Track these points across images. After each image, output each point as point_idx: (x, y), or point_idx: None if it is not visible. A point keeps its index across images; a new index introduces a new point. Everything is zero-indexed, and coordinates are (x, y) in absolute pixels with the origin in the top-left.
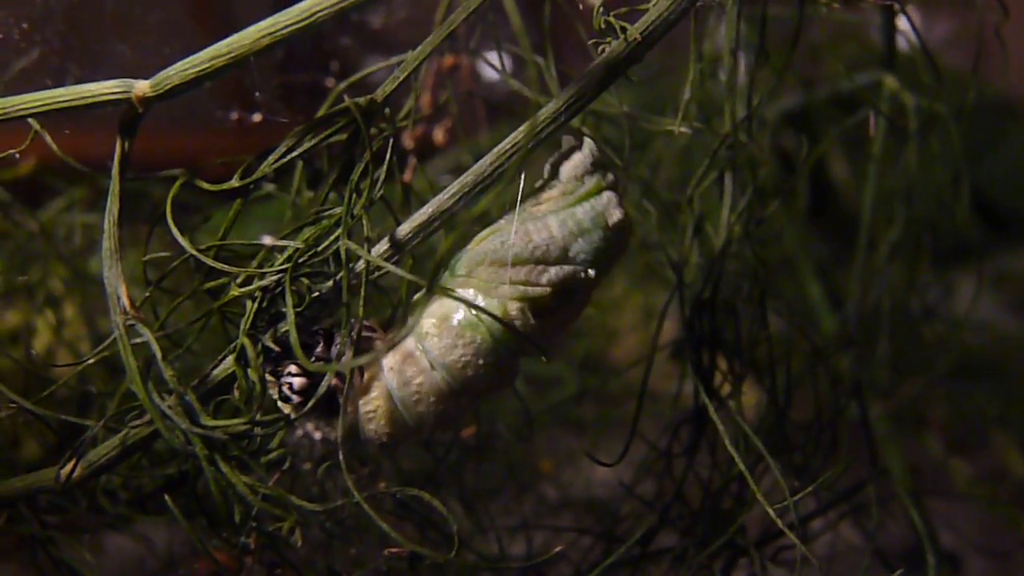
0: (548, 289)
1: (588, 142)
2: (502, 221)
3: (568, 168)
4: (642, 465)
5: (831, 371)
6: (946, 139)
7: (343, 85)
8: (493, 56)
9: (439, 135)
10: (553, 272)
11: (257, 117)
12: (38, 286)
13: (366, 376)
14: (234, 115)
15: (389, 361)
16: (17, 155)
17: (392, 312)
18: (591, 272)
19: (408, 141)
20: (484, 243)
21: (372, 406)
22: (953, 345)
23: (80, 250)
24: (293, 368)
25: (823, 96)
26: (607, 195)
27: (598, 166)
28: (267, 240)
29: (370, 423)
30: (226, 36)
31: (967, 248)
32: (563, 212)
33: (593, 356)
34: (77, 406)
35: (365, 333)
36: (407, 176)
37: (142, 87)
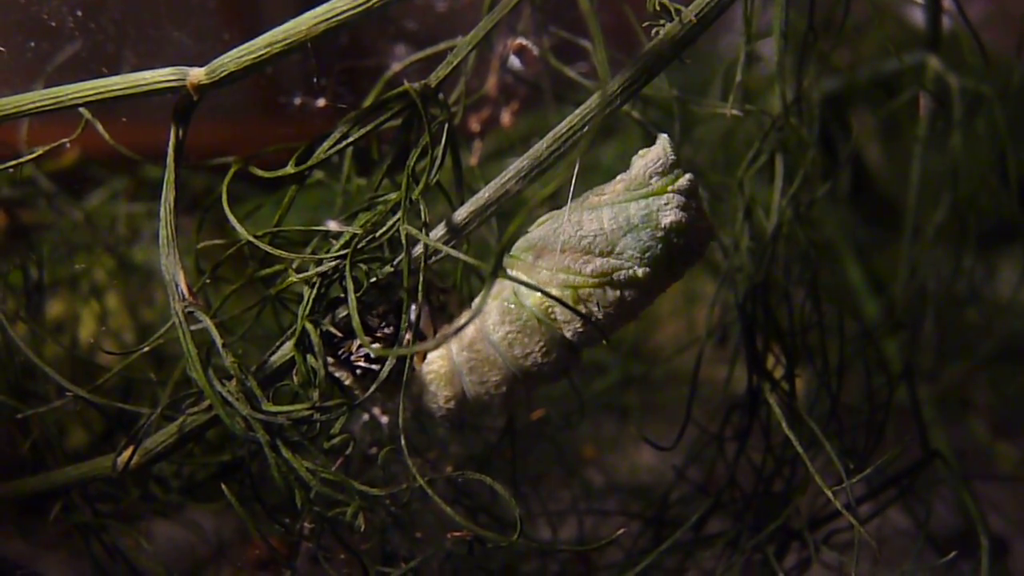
0: (588, 279)
1: (664, 143)
2: (565, 207)
3: (640, 164)
4: (692, 450)
5: (879, 355)
6: (990, 120)
7: (389, 72)
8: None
9: (506, 117)
10: (598, 263)
11: (321, 102)
12: (83, 276)
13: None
14: (297, 100)
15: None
16: (68, 144)
17: (446, 294)
18: (639, 271)
19: (474, 124)
20: (540, 229)
21: (435, 367)
22: (997, 328)
23: (124, 240)
24: (359, 341)
25: (865, 78)
26: (667, 196)
27: (673, 167)
28: (332, 224)
29: (431, 384)
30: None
31: (1011, 231)
32: (617, 206)
33: (634, 342)
34: (122, 395)
35: (442, 296)
36: (474, 159)
37: (197, 75)
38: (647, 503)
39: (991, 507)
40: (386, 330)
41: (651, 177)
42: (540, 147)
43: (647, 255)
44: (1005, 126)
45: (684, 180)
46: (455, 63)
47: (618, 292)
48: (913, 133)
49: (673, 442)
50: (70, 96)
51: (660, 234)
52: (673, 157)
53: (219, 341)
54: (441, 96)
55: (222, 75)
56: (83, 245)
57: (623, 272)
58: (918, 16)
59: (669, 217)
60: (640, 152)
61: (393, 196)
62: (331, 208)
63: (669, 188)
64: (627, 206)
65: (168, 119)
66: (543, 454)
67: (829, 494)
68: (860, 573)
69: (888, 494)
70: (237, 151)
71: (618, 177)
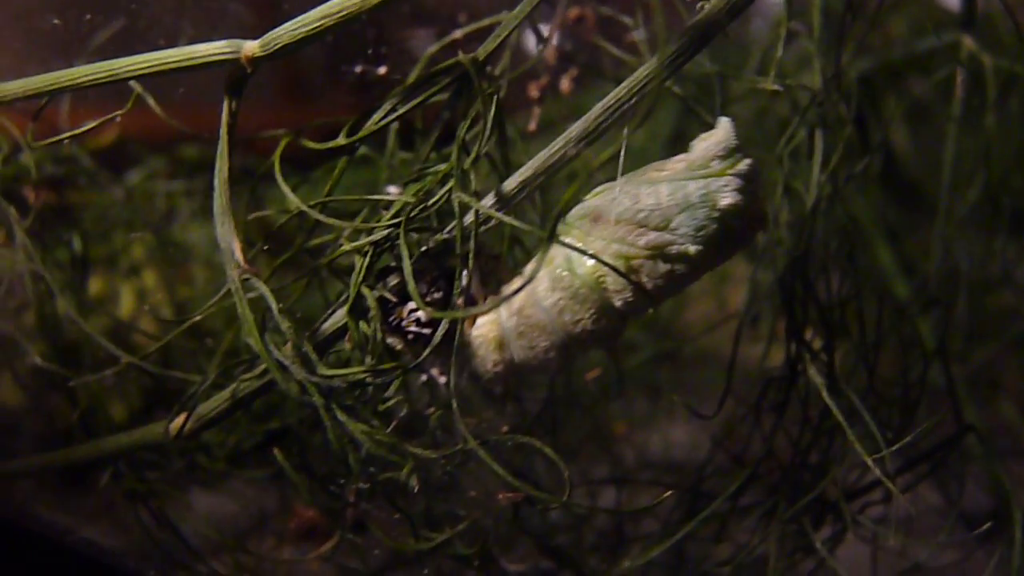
0: (641, 251)
1: (727, 127)
2: (621, 179)
3: (702, 148)
4: (728, 424)
5: (914, 332)
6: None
7: (434, 47)
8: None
9: (565, 85)
10: (652, 237)
11: (382, 70)
12: (122, 254)
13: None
14: (358, 69)
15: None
16: (118, 120)
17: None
18: (692, 248)
19: (533, 91)
20: (596, 198)
21: (484, 330)
22: None
23: (162, 218)
24: (412, 304)
25: (897, 57)
26: (726, 178)
27: (733, 152)
28: (392, 190)
29: (480, 348)
30: None
31: None
32: (676, 183)
33: (665, 320)
34: (161, 368)
35: (492, 262)
36: (531, 125)
37: (251, 47)
38: (681, 477)
39: (1021, 486)
40: (435, 295)
41: (713, 160)
42: (589, 118)
43: (701, 233)
44: None
45: (744, 164)
46: (502, 37)
47: (668, 266)
48: (942, 114)
49: (713, 413)
50: (125, 69)
51: (716, 214)
52: (735, 142)
53: (275, 307)
54: (489, 69)
55: (276, 47)
56: (123, 223)
57: (676, 247)
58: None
59: (727, 199)
60: (701, 135)
61: (443, 167)
62: (370, 188)
63: (729, 171)
64: (686, 184)
65: (205, 98)
66: (575, 430)
67: (869, 462)
68: (894, 547)
69: (921, 469)
70: (286, 126)
71: (678, 156)
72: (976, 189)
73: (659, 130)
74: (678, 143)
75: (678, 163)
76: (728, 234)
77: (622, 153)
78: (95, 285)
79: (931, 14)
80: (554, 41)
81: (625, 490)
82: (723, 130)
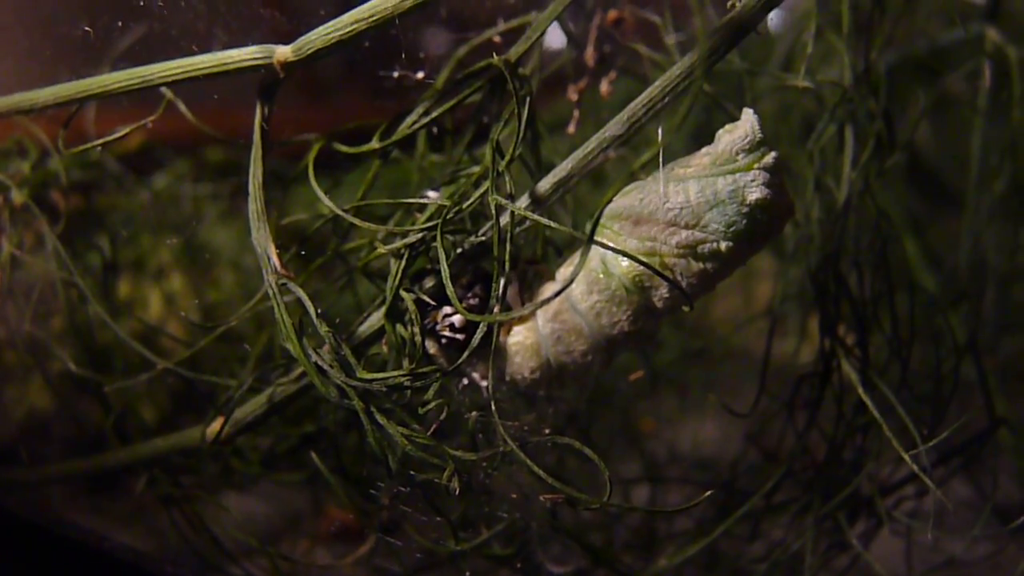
0: (674, 250)
1: (752, 120)
2: (649, 178)
3: (727, 140)
4: (759, 420)
5: (946, 325)
6: None
7: (463, 49)
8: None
9: (604, 88)
10: (684, 235)
11: (420, 75)
12: (149, 257)
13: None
14: (396, 73)
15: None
16: (149, 124)
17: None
18: (723, 245)
19: (572, 94)
20: (626, 198)
21: (520, 337)
22: None
23: (189, 222)
24: (448, 309)
25: (923, 49)
26: (754, 173)
27: (758, 146)
28: (432, 194)
29: (516, 355)
30: None
31: None
32: (704, 180)
33: (693, 317)
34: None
35: (529, 267)
36: (571, 128)
37: (284, 52)
38: (712, 475)
39: None
40: (471, 300)
41: (738, 154)
42: (622, 118)
43: (731, 229)
44: None
45: (770, 158)
46: (534, 38)
47: (701, 264)
48: (966, 107)
49: (747, 410)
50: (158, 75)
51: (746, 210)
52: (760, 135)
53: (313, 311)
54: (520, 70)
55: (309, 52)
56: (150, 226)
57: (707, 245)
58: None
59: (755, 194)
60: (726, 127)
61: (476, 169)
62: (398, 189)
63: (755, 165)
64: (714, 180)
65: (236, 102)
66: (605, 427)
67: (906, 457)
68: (927, 541)
69: (953, 463)
70: (320, 128)
71: (703, 151)
72: (1001, 181)
73: (684, 123)
74: (702, 136)
75: (704, 157)
76: (757, 228)
77: (660, 154)
78: (123, 288)
79: (955, 5)
80: (591, 44)
81: (658, 487)
82: (748, 123)
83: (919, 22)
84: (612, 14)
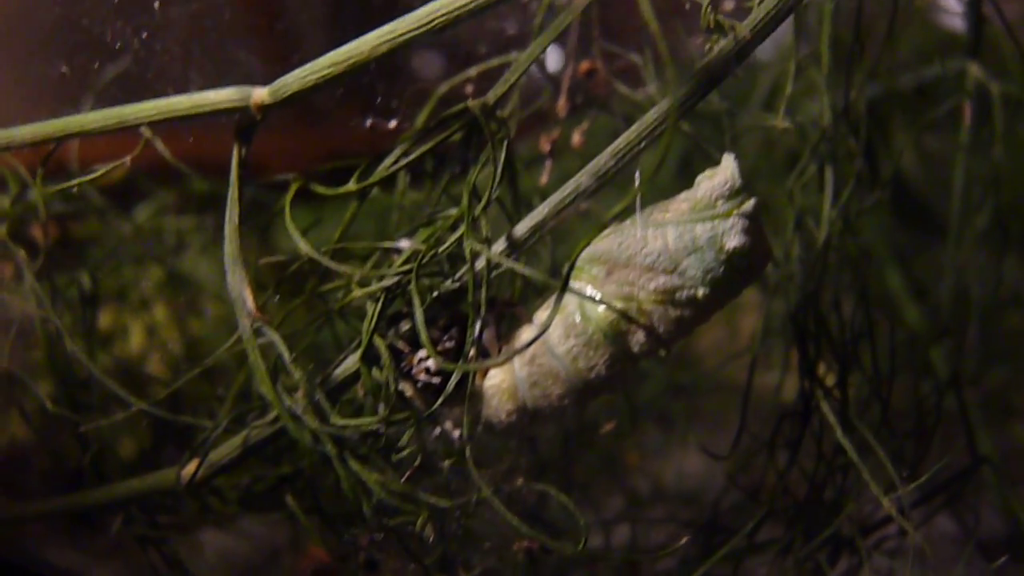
0: (651, 296)
1: (732, 166)
2: (627, 222)
3: (706, 187)
4: (742, 457)
5: (927, 361)
6: None
7: (442, 88)
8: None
9: (576, 138)
10: (661, 281)
11: (392, 124)
12: (131, 289)
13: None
14: (368, 122)
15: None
16: (128, 162)
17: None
18: (700, 291)
19: (544, 144)
20: (604, 241)
21: (496, 380)
22: None
23: (172, 253)
24: (423, 353)
25: (903, 85)
26: (732, 220)
27: (738, 193)
28: (403, 243)
29: (493, 399)
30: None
31: None
32: (683, 225)
33: (677, 349)
34: (171, 407)
35: (507, 309)
36: (543, 178)
37: (260, 94)
38: (696, 510)
39: None
40: (446, 344)
41: (717, 200)
42: (599, 162)
43: (709, 276)
44: None
45: (749, 204)
46: (512, 80)
47: (678, 310)
48: (949, 140)
49: (726, 450)
50: (133, 115)
51: (724, 256)
52: (740, 181)
53: (287, 356)
54: (499, 113)
55: (286, 94)
56: (132, 257)
57: (685, 291)
58: (954, 21)
59: (734, 241)
60: (706, 173)
61: (453, 212)
62: (379, 219)
63: (735, 212)
64: (693, 227)
65: (218, 131)
66: (589, 461)
67: (884, 502)
68: None
69: (937, 501)
70: (289, 164)
71: (682, 195)
72: (985, 215)
73: (668, 158)
74: (686, 171)
75: (683, 203)
76: (735, 275)
77: (638, 200)
78: (105, 319)
79: (937, 37)
80: (563, 94)
81: (640, 525)
82: (728, 169)
83: (904, 56)
84: (584, 65)
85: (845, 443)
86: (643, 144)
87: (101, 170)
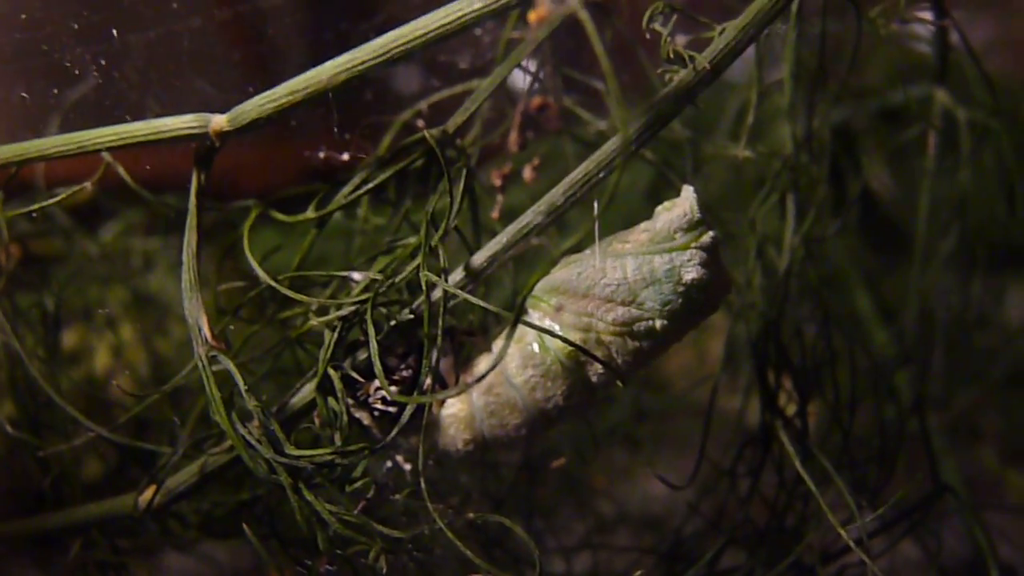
0: (610, 327)
1: (691, 199)
2: (587, 252)
3: (665, 219)
4: (705, 482)
5: (889, 387)
6: (998, 149)
7: (403, 117)
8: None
9: (528, 174)
10: (620, 312)
11: (345, 156)
12: (97, 308)
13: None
14: (321, 154)
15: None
16: (89, 186)
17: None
18: (658, 323)
19: (496, 179)
20: (563, 271)
21: (454, 410)
22: (1006, 355)
23: (138, 273)
24: (378, 382)
25: (872, 108)
26: (690, 252)
27: (697, 225)
28: (356, 276)
29: (450, 428)
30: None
31: (1020, 257)
32: (641, 257)
33: (645, 372)
34: (137, 430)
35: (465, 338)
36: (495, 213)
37: (219, 121)
38: (659, 535)
39: (1001, 536)
40: (404, 373)
41: (676, 232)
42: (556, 193)
43: (667, 308)
44: (1012, 156)
45: (707, 237)
46: (472, 109)
47: (636, 342)
48: (920, 162)
49: (687, 478)
50: (92, 141)
51: (681, 289)
52: (699, 214)
53: (242, 384)
54: (459, 142)
55: (244, 122)
56: (98, 277)
57: (643, 323)
58: (921, 45)
59: (691, 273)
60: (665, 204)
61: (412, 240)
62: (346, 238)
63: (693, 244)
64: (651, 258)
65: (185, 149)
66: (555, 484)
67: (842, 532)
68: None
69: (900, 528)
70: (256, 179)
71: (641, 226)
72: (952, 238)
73: (638, 179)
74: (656, 192)
75: (642, 234)
76: (693, 307)
77: (596, 230)
78: (71, 338)
79: (908, 61)
80: (515, 129)
81: (604, 551)
82: (687, 201)
83: (877, 79)
84: (536, 100)
85: (803, 473)
86: (601, 175)
87: (63, 194)
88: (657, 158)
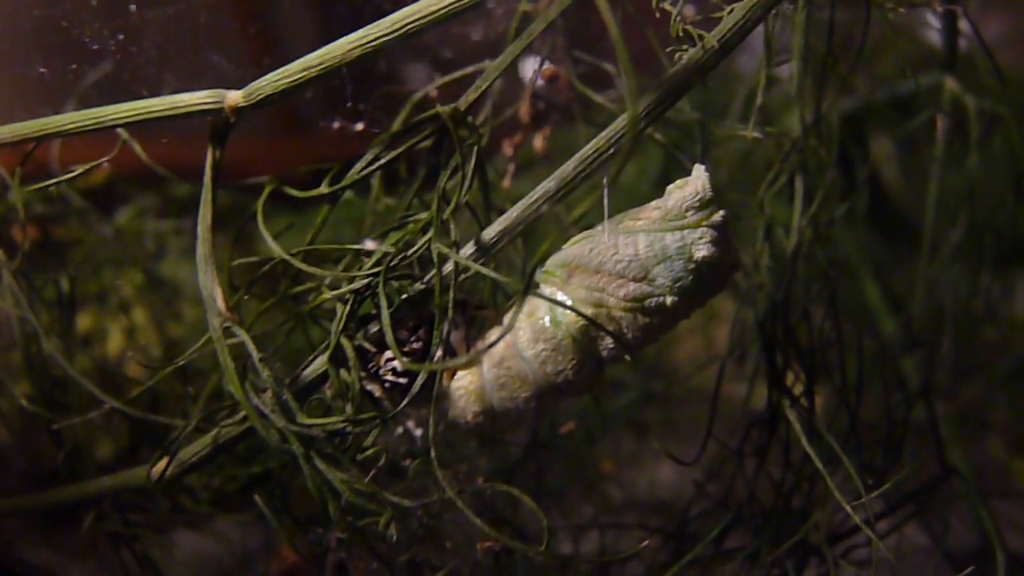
0: (621, 302)
1: (703, 178)
2: (598, 227)
3: (677, 197)
4: (712, 465)
5: (898, 372)
6: (1007, 139)
7: (418, 95)
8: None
9: (538, 143)
10: (631, 288)
11: (359, 126)
12: (110, 291)
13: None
14: (335, 124)
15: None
16: (106, 164)
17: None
18: (669, 299)
19: (507, 148)
20: (575, 246)
21: (464, 382)
22: (1014, 346)
23: (152, 256)
24: (389, 354)
25: (882, 98)
26: (701, 230)
27: (708, 204)
28: (369, 244)
29: (460, 400)
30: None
31: None
32: (653, 234)
33: (654, 358)
34: (148, 407)
35: (476, 312)
36: (506, 182)
37: (234, 97)
38: (667, 518)
39: (1008, 525)
40: (414, 345)
41: (687, 211)
42: (567, 168)
43: (678, 285)
44: (1021, 147)
45: (718, 216)
46: (484, 87)
47: (647, 318)
48: (930, 152)
49: (694, 458)
50: (110, 117)
51: (692, 266)
52: (711, 193)
53: (256, 355)
54: (470, 119)
55: (259, 98)
56: (112, 260)
57: (654, 299)
58: (934, 36)
59: (702, 251)
60: (677, 183)
61: (423, 215)
62: (357, 224)
63: (704, 223)
64: (663, 235)
65: (197, 136)
66: (563, 469)
67: (848, 509)
68: None
69: (906, 511)
70: (268, 169)
71: (653, 203)
72: (960, 229)
73: (648, 166)
74: (667, 180)
75: (654, 211)
76: (703, 284)
77: (606, 205)
78: (84, 321)
79: (919, 53)
80: (526, 99)
81: (611, 531)
82: (698, 181)
83: (890, 68)
84: (547, 70)
85: (810, 450)
86: (611, 151)
87: (79, 169)
88: (667, 141)
